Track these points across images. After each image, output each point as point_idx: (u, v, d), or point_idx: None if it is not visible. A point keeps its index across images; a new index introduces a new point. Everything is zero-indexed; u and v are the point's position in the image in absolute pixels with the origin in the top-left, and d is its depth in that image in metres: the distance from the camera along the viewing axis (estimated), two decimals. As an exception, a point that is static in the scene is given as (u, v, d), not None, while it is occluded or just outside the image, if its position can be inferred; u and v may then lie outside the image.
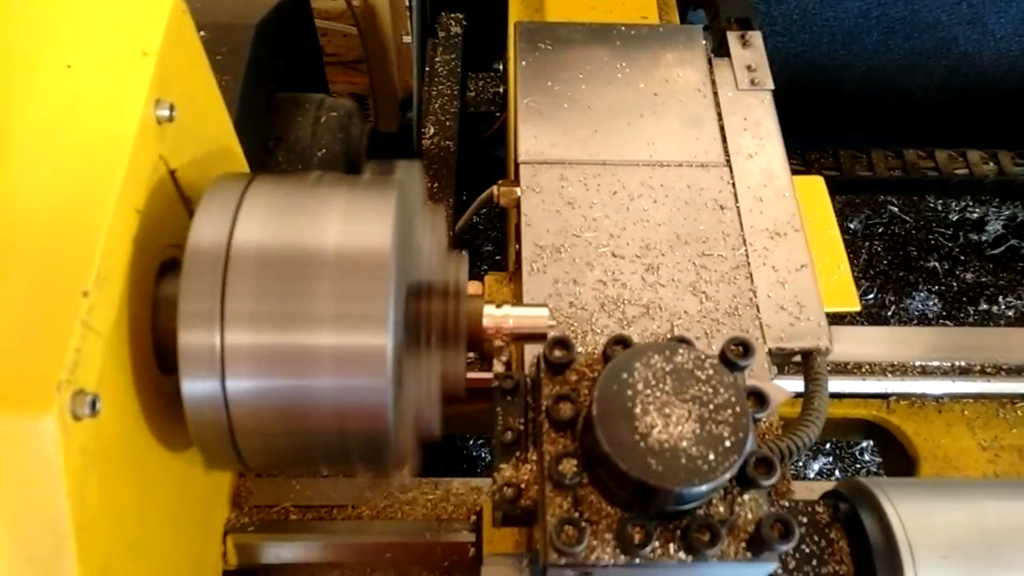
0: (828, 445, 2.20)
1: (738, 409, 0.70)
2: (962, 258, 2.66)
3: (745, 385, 0.76)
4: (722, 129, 1.38)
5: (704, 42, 1.49)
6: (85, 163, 0.76)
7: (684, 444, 0.68)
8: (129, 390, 0.79)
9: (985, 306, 2.56)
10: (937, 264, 2.64)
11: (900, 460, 1.46)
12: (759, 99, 1.42)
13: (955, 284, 2.61)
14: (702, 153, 1.34)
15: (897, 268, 2.63)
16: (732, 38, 1.48)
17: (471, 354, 0.94)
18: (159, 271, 0.85)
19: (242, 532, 1.13)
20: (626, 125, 1.37)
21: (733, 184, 1.31)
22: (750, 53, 1.47)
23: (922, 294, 2.58)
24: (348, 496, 1.18)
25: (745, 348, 0.78)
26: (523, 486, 0.80)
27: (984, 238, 2.71)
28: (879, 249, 2.66)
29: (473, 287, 1.28)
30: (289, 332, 0.76)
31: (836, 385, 1.42)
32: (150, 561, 0.86)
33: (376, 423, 0.79)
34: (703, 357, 0.73)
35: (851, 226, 2.69)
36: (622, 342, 0.79)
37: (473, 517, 1.15)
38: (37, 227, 0.72)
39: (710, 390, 0.71)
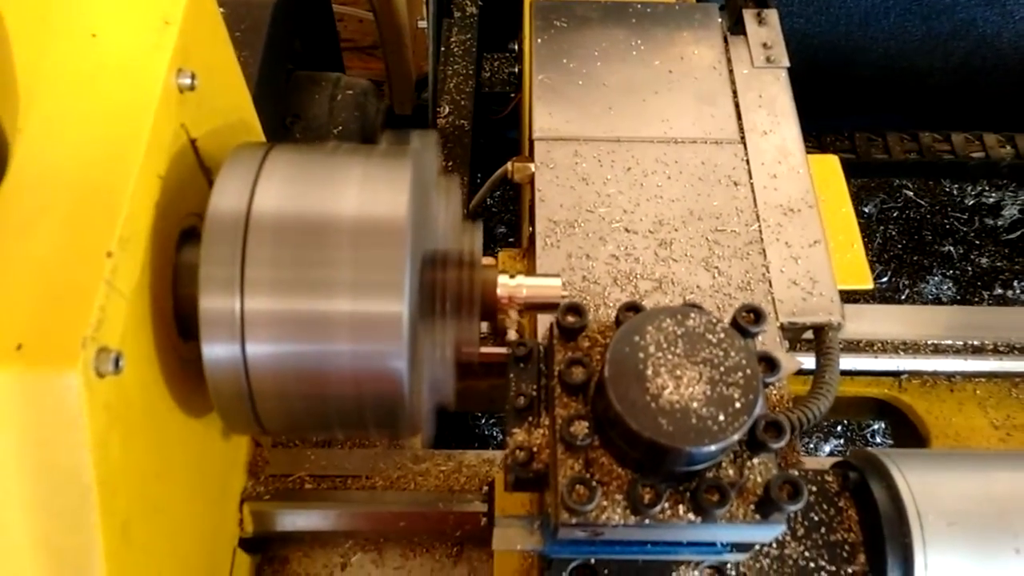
0: (840, 427, 2.20)
1: (748, 372, 0.71)
2: (977, 243, 2.65)
3: (760, 351, 0.77)
4: (737, 106, 1.38)
5: (720, 20, 1.49)
6: (109, 129, 0.77)
7: (695, 405, 0.69)
8: (150, 351, 0.81)
9: (1000, 291, 2.55)
10: (952, 248, 2.63)
11: (911, 439, 1.46)
12: (775, 76, 1.42)
13: (970, 268, 2.59)
14: (717, 130, 1.35)
15: (912, 252, 2.62)
16: (748, 16, 1.48)
17: (484, 326, 0.95)
18: (180, 238, 0.87)
19: (258, 500, 1.15)
20: (641, 102, 1.37)
21: (747, 161, 1.31)
22: (766, 31, 1.47)
23: (936, 278, 2.57)
24: (362, 466, 1.20)
25: (757, 315, 0.79)
26: (535, 450, 0.81)
27: (1000, 223, 2.69)
28: (894, 233, 2.65)
29: (487, 263, 1.30)
30: (307, 298, 0.77)
31: (848, 363, 1.43)
32: (169, 521, 0.88)
33: (391, 388, 0.80)
34: (715, 321, 0.74)
35: (866, 210, 2.68)
36: (634, 308, 0.79)
37: (485, 488, 1.17)
38: (63, 190, 0.74)
39: (721, 353, 0.72)
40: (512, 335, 0.99)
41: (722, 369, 0.71)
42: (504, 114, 2.15)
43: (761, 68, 1.42)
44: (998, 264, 2.61)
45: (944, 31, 2.12)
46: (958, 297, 2.54)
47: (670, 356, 0.71)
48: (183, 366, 0.88)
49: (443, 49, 2.15)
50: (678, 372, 0.71)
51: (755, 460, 0.76)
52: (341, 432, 0.99)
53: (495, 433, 2.27)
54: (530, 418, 0.83)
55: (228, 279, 0.77)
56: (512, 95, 2.13)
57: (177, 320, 0.87)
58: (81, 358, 0.66)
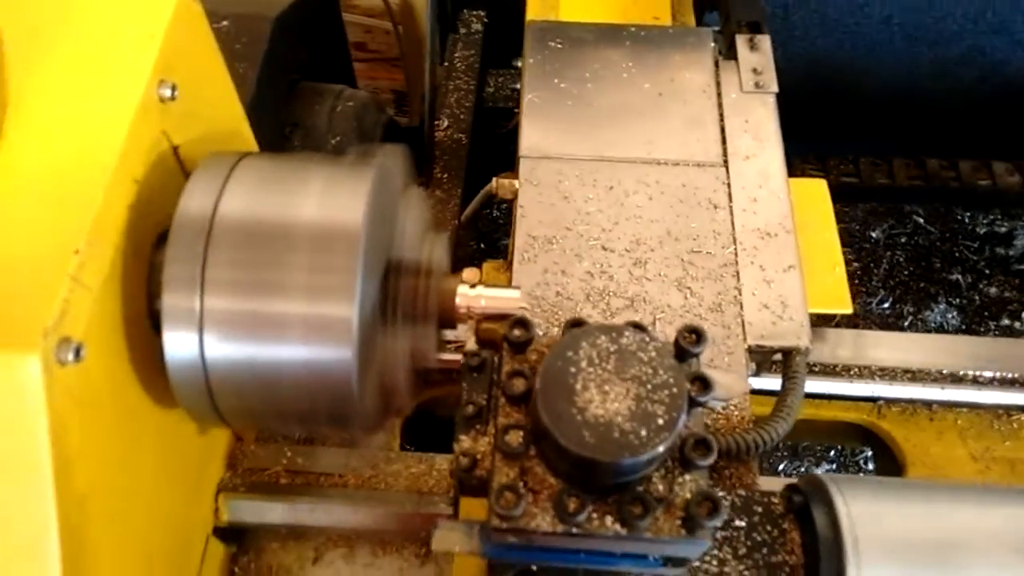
0: (832, 452, 2.19)
1: (675, 390, 0.73)
2: (987, 272, 2.62)
3: (694, 371, 0.80)
4: (723, 130, 1.40)
5: (713, 44, 1.51)
6: (86, 135, 0.82)
7: (619, 419, 0.72)
8: (119, 343, 0.85)
9: (1007, 321, 2.52)
10: (960, 277, 2.60)
11: (891, 466, 1.46)
12: (762, 101, 1.44)
13: (977, 298, 2.57)
14: (701, 153, 1.37)
15: (918, 279, 2.60)
16: (740, 41, 1.50)
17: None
18: (157, 239, 0.92)
19: (234, 491, 1.19)
20: (628, 124, 1.40)
21: (728, 184, 1.33)
22: (757, 57, 1.49)
23: (942, 306, 2.54)
24: (337, 464, 1.23)
25: (697, 336, 0.81)
26: (479, 457, 0.84)
27: (1011, 252, 2.66)
28: (901, 259, 2.63)
29: (471, 274, 1.33)
30: (262, 299, 0.82)
31: (826, 387, 1.44)
32: (135, 503, 0.92)
33: (341, 390, 0.83)
34: (647, 340, 0.76)
35: (873, 235, 2.66)
36: (578, 324, 0.82)
37: (452, 492, 1.20)
38: (38, 192, 0.79)
39: (650, 371, 0.74)
40: (471, 345, 1.02)
41: (649, 387, 0.73)
42: (508, 128, 2.19)
43: (750, 93, 1.44)
44: (1007, 295, 2.58)
45: (952, 58, 2.12)
46: (963, 327, 2.51)
47: (600, 372, 0.74)
48: (158, 361, 0.93)
49: (446, 64, 2.19)
50: (606, 387, 0.73)
51: (686, 477, 0.78)
52: (299, 429, 1.03)
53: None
54: (477, 426, 0.86)
55: (190, 278, 0.82)
56: (516, 110, 2.17)
57: (150, 316, 0.91)
58: (41, 346, 0.70)
